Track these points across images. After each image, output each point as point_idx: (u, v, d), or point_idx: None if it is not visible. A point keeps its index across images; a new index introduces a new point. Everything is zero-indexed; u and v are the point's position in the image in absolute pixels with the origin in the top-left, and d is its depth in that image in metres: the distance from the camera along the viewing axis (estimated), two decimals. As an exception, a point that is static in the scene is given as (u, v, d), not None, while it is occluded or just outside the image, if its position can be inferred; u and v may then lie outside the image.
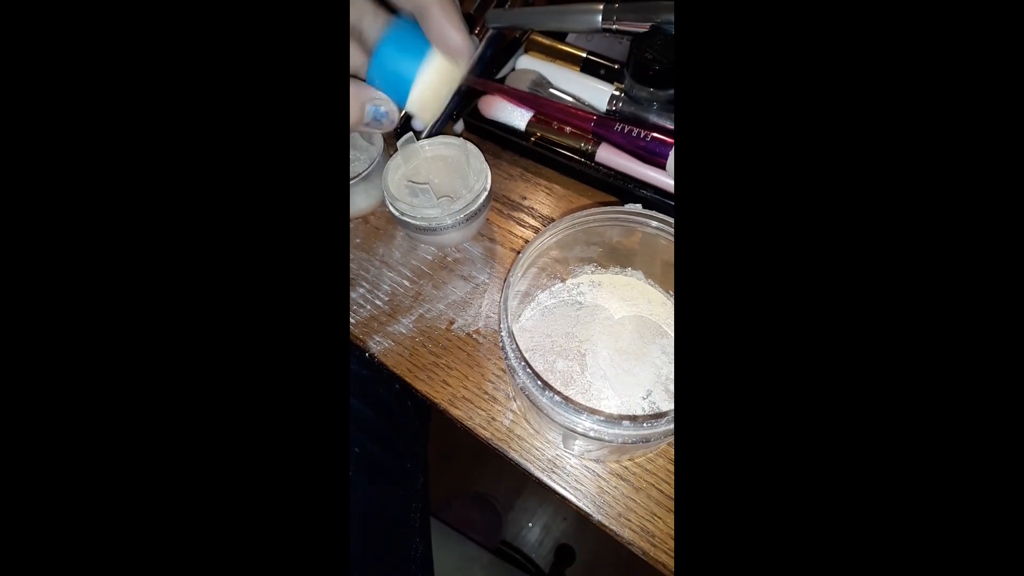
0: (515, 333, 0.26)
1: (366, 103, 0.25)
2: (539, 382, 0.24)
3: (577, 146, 0.37)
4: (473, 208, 0.33)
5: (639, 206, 0.27)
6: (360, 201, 0.37)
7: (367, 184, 0.36)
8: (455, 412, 0.32)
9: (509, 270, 0.27)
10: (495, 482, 1.03)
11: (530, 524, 1.00)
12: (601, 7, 0.38)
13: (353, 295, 0.36)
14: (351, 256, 0.37)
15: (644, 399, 0.30)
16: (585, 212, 0.28)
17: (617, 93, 0.38)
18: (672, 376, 0.30)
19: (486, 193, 0.34)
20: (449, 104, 0.28)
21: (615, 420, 0.23)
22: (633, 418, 0.23)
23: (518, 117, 0.38)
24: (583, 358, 0.31)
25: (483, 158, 0.34)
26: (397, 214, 0.33)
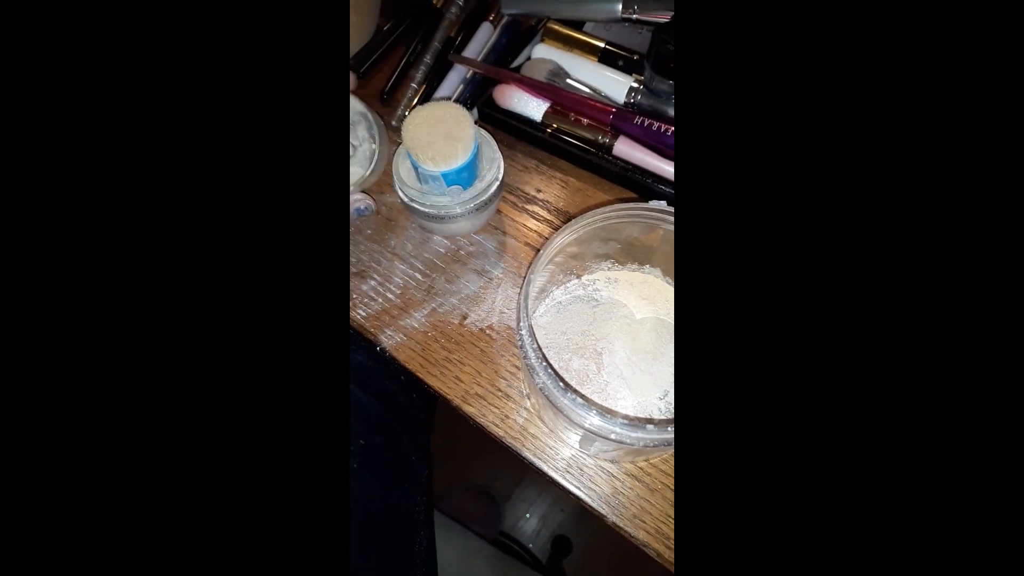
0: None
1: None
2: (560, 383, 0.23)
3: (594, 139, 0.36)
4: (484, 197, 0.33)
5: (663, 203, 0.26)
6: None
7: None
8: (468, 409, 0.31)
9: (529, 266, 0.26)
10: (494, 473, 1.03)
11: (528, 515, 1.01)
12: (622, -5, 0.37)
13: (364, 288, 0.35)
14: (362, 248, 0.36)
15: (661, 399, 0.29)
16: (608, 208, 0.27)
17: (636, 85, 0.37)
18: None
19: (498, 182, 0.33)
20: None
21: (638, 423, 0.23)
22: (656, 421, 0.23)
23: (534, 107, 0.37)
24: (599, 357, 0.30)
25: (496, 146, 0.33)
26: (407, 200, 0.33)
